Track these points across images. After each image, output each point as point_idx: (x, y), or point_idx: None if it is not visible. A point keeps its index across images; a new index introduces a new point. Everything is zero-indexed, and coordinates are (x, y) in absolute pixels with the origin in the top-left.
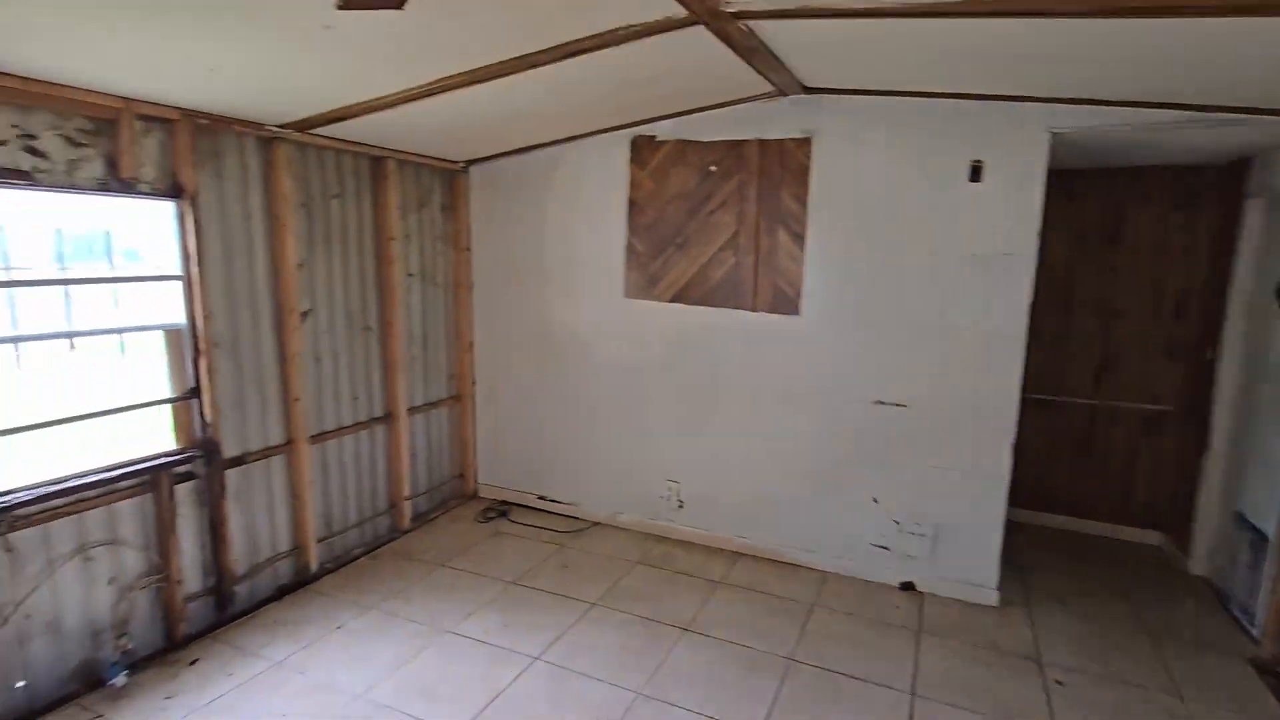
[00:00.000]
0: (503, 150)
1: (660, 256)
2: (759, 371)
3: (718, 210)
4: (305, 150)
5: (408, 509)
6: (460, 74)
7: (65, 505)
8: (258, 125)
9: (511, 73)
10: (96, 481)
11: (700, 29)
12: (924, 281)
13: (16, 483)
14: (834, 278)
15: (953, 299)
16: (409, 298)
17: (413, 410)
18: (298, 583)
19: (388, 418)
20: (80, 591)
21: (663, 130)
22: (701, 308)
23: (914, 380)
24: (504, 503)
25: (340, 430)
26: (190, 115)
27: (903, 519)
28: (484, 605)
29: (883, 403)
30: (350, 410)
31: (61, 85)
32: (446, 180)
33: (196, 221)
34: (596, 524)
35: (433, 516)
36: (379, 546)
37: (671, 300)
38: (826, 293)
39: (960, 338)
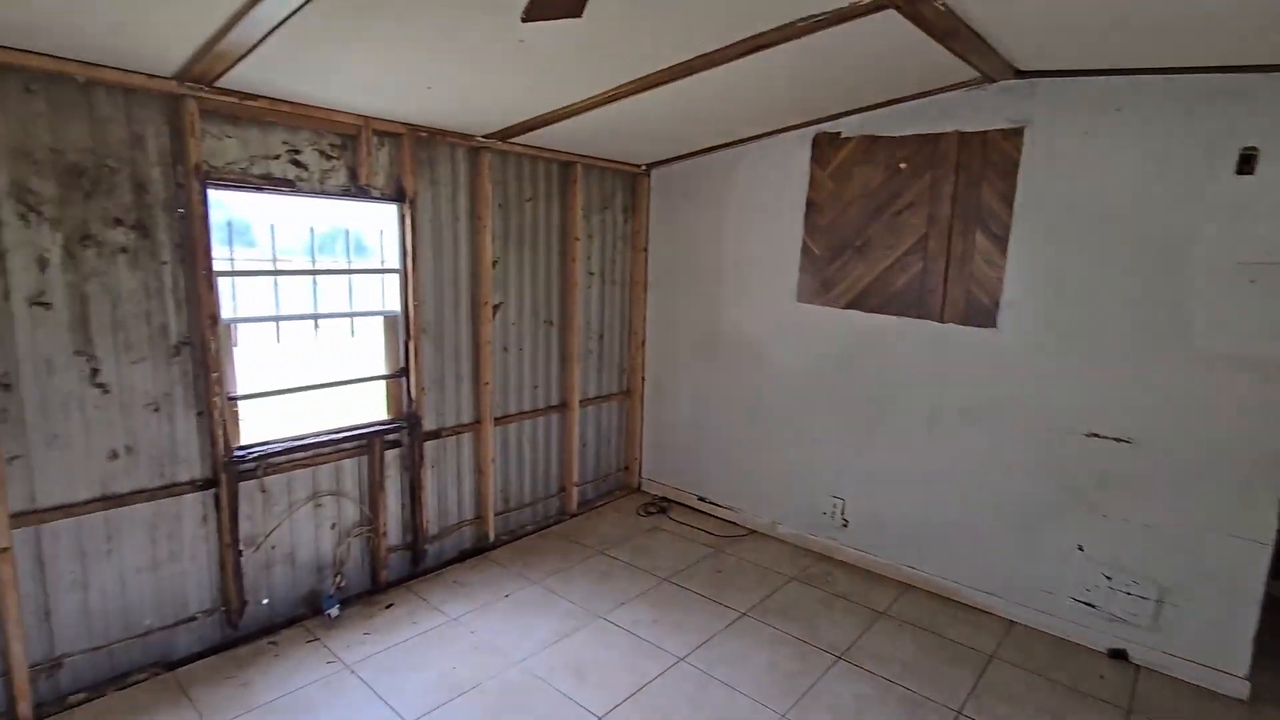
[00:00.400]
0: (682, 153)
1: (837, 260)
2: (942, 387)
3: (905, 211)
4: (505, 157)
5: (575, 495)
6: (641, 78)
7: (304, 459)
8: (466, 136)
9: (691, 73)
10: (328, 441)
11: (891, 13)
12: (1165, 296)
13: (270, 437)
14: (1043, 287)
15: (1208, 318)
16: (588, 295)
17: (585, 402)
18: (476, 550)
19: (563, 407)
20: (310, 532)
21: (847, 126)
22: (879, 315)
23: (1144, 412)
24: (665, 499)
25: (520, 415)
26: (413, 129)
27: (1116, 575)
28: (636, 597)
29: (1099, 436)
30: (530, 397)
31: (319, 108)
32: (628, 183)
33: (414, 222)
34: (754, 532)
35: (597, 505)
36: (547, 526)
37: (847, 306)
38: (1033, 304)
39: (1215, 365)
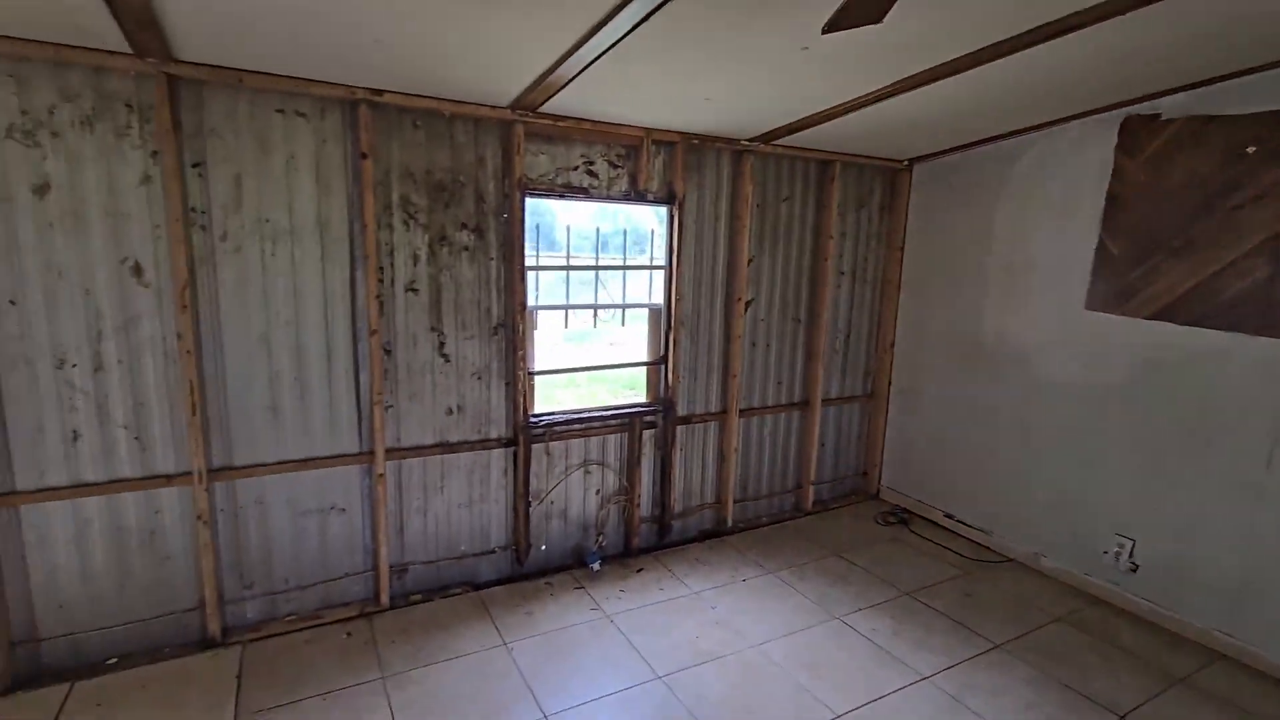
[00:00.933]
0: (951, 146)
1: (1145, 263)
2: None
3: (1248, 205)
4: (766, 159)
5: (810, 493)
6: (921, 73)
7: (579, 430)
8: (732, 140)
9: (977, 65)
10: (598, 418)
11: None
12: None
13: (555, 409)
14: None
15: None
16: (837, 294)
17: (827, 401)
18: (714, 532)
19: (804, 405)
20: (580, 494)
21: (1169, 106)
22: (1200, 329)
23: None
24: (905, 510)
25: (764, 409)
26: (686, 137)
27: None
28: (874, 605)
29: None
30: (774, 392)
31: (611, 124)
32: (887, 179)
33: (680, 222)
34: (1010, 560)
35: (833, 507)
36: (781, 521)
37: (1152, 317)
38: None
39: None
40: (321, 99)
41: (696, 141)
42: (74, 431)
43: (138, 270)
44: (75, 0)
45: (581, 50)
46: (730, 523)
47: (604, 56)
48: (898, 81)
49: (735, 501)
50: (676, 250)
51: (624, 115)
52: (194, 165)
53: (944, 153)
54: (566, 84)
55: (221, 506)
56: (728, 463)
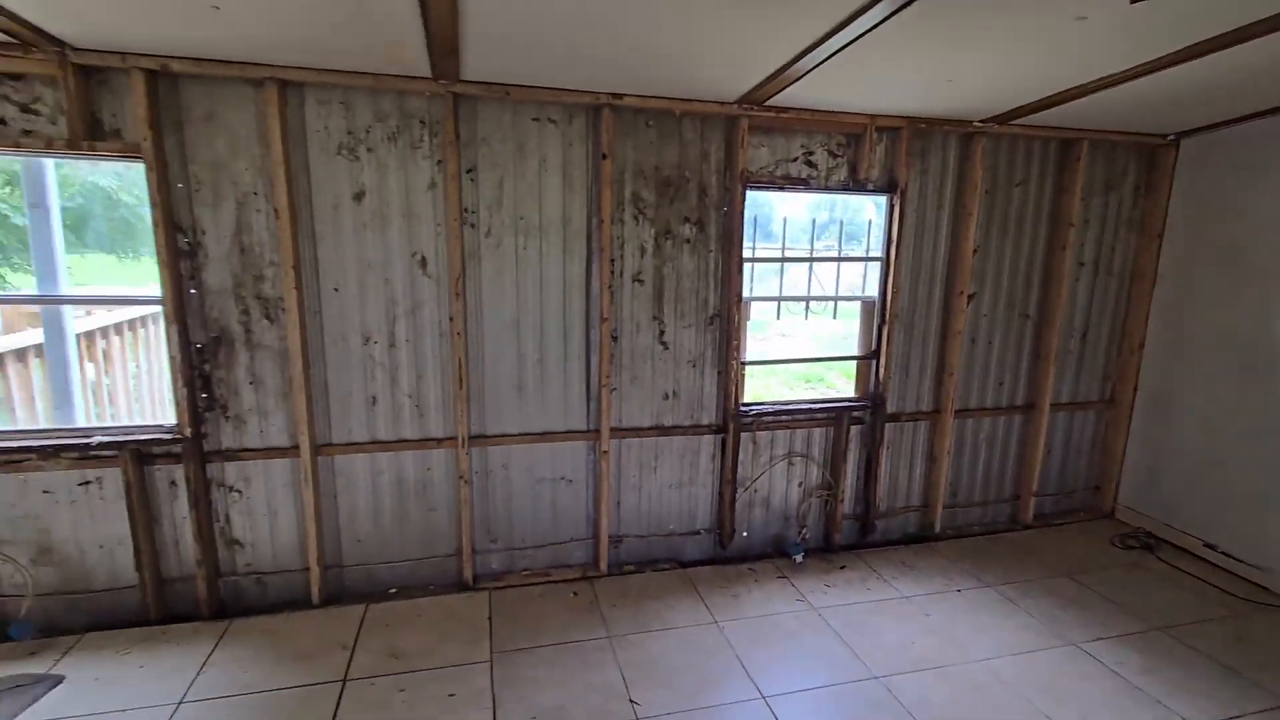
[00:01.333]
0: (1236, 116)
1: None
2: None
3: None
4: (999, 141)
5: (1031, 505)
6: (1209, 39)
7: (785, 422)
8: (962, 123)
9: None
10: (804, 410)
11: None
12: None
13: (762, 399)
14: None
15: None
16: (1074, 288)
17: (1056, 406)
18: (920, 537)
19: (1028, 408)
20: (782, 485)
21: None
22: None
23: None
24: (1149, 535)
25: (981, 410)
26: (912, 121)
27: None
28: (1117, 636)
29: None
30: (994, 394)
31: (834, 112)
32: (1144, 157)
33: (901, 211)
34: None
35: (1057, 522)
36: (995, 532)
37: None
38: None
39: None
40: (570, 105)
41: (924, 125)
42: (373, 397)
43: (423, 263)
44: (403, 37)
45: (828, 42)
46: (938, 528)
47: (851, 45)
48: (1175, 51)
49: (944, 507)
50: (895, 240)
51: (849, 103)
52: (467, 171)
53: (1225, 124)
54: (801, 77)
55: (476, 469)
56: (938, 465)
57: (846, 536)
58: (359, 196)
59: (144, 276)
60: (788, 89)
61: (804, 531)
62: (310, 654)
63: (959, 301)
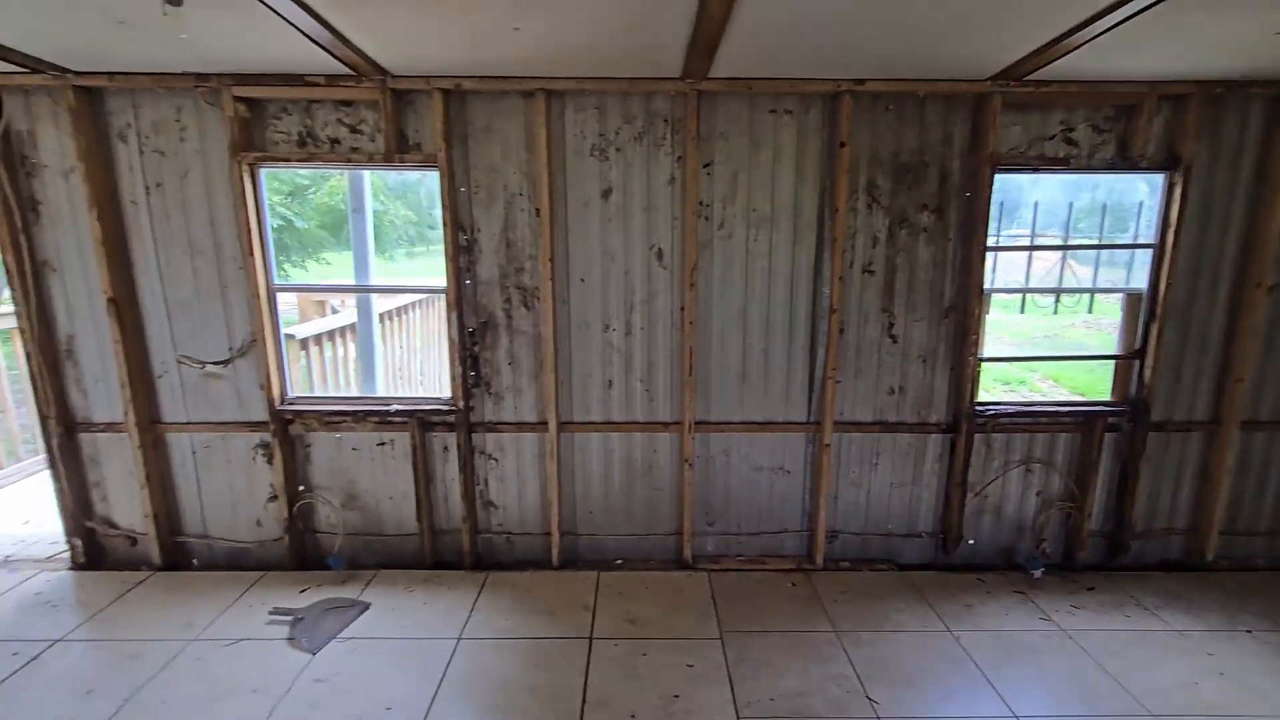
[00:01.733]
0: None
1: None
2: None
3: None
4: None
5: None
6: None
7: (1026, 424)
8: (1272, 83)
9: None
10: (1048, 413)
11: None
12: None
13: (999, 398)
14: None
15: None
16: None
17: None
18: (1185, 564)
19: None
20: (1017, 493)
21: None
22: None
23: None
24: None
25: (1276, 424)
26: (1205, 86)
27: None
28: None
29: None
30: None
31: (1103, 82)
32: None
33: (1183, 192)
34: None
35: None
36: None
37: None
38: None
39: None
40: (807, 95)
41: (1220, 90)
42: (609, 380)
43: (660, 255)
44: (666, 41)
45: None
46: (1210, 556)
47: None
48: None
49: (1220, 533)
50: (1175, 225)
51: (1129, 70)
52: (704, 165)
53: None
54: (1083, 44)
55: (698, 453)
56: (1214, 485)
57: (1093, 556)
58: (606, 194)
59: (384, 271)
60: (1058, 60)
61: (1043, 545)
62: (557, 610)
63: (1255, 295)
